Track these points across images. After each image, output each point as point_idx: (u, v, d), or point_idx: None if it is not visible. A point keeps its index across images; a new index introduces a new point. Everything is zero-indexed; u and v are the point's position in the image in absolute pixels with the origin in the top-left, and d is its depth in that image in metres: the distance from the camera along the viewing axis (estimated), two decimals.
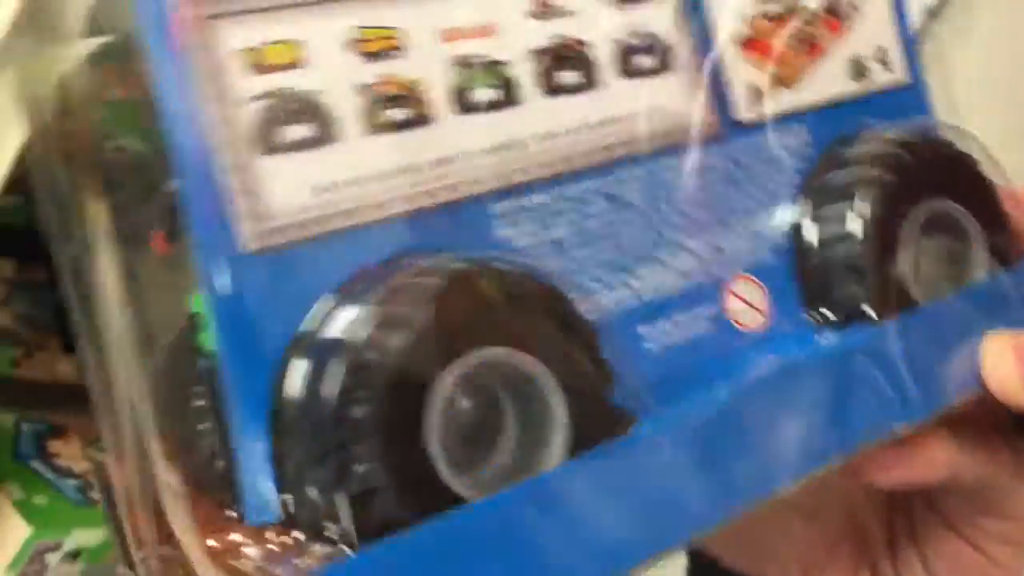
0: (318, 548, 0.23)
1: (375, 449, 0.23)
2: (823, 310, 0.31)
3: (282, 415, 0.24)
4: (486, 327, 0.24)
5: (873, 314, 0.30)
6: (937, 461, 0.31)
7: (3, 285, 0.50)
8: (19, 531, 0.44)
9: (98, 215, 0.28)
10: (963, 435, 0.31)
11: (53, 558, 0.45)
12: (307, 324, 0.24)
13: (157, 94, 0.23)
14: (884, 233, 0.31)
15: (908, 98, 0.36)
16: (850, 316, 0.31)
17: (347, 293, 0.24)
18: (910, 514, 0.35)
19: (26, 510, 0.44)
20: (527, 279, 0.25)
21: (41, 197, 0.29)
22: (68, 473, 0.47)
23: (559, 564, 0.24)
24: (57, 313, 0.52)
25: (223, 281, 0.23)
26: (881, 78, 0.35)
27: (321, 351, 0.23)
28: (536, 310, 0.25)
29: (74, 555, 0.46)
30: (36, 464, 0.47)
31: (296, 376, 0.24)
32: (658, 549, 0.25)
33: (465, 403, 0.26)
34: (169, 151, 0.23)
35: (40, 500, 0.45)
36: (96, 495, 0.46)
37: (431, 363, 0.23)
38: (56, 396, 0.51)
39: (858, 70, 0.34)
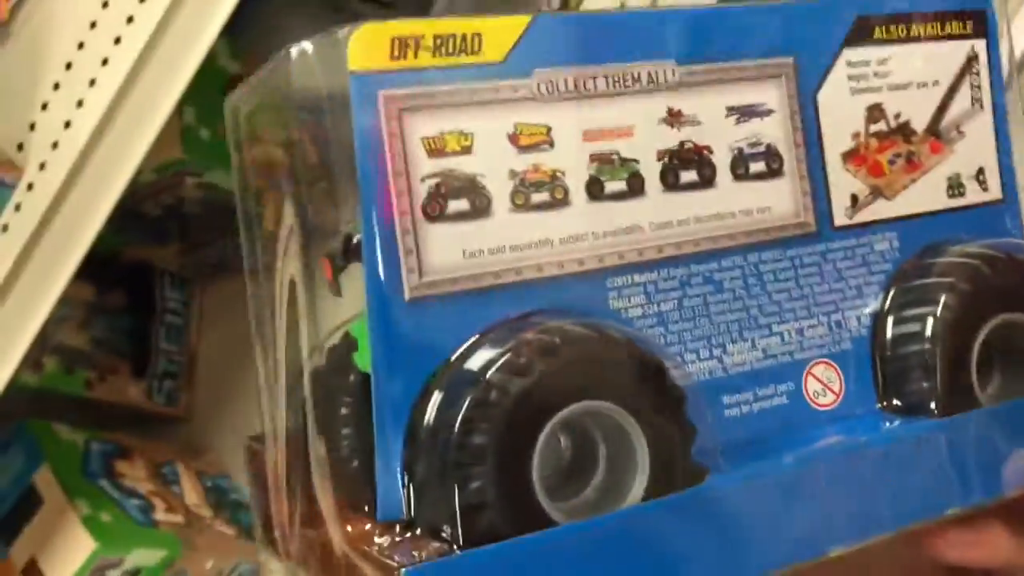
0: (433, 545, 0.29)
1: (487, 472, 0.28)
2: (893, 400, 0.35)
3: (417, 433, 0.29)
4: (591, 383, 0.29)
5: (936, 410, 0.34)
6: (1000, 547, 0.35)
7: (82, 308, 0.53)
8: (85, 545, 0.46)
9: (286, 234, 0.33)
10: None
11: (114, 574, 0.47)
12: (448, 359, 0.30)
13: (359, 164, 0.29)
14: (955, 338, 0.35)
15: (999, 215, 0.39)
16: (916, 409, 0.35)
17: (484, 338, 0.30)
18: None
19: (92, 526, 0.46)
20: (630, 346, 0.30)
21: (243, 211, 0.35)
22: (132, 493, 0.49)
23: None
24: (130, 340, 0.56)
25: (386, 321, 0.29)
26: (976, 196, 0.38)
27: (454, 384, 0.29)
28: (634, 373, 0.30)
29: (133, 573, 0.48)
30: (103, 483, 0.49)
31: (432, 402, 0.29)
32: None
33: (565, 443, 0.31)
34: (360, 209, 0.29)
35: (106, 517, 0.47)
36: (158, 516, 0.49)
37: (542, 407, 0.29)
38: (125, 419, 0.55)
39: (955, 188, 0.38)
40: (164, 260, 0.56)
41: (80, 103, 0.39)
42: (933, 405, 0.34)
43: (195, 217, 0.53)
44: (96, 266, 0.44)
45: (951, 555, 0.35)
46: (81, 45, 0.39)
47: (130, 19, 0.39)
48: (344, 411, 0.33)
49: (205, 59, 0.40)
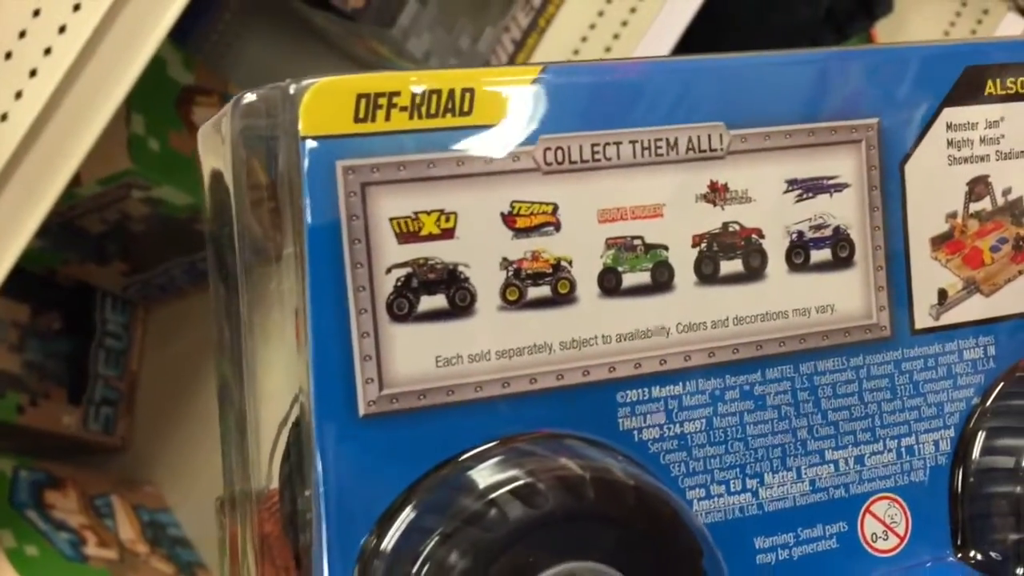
0: None
1: None
2: (971, 551, 0.29)
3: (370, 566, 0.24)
4: (579, 539, 0.24)
5: None
6: None
7: (15, 330, 0.48)
8: None
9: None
10: None
11: None
12: (411, 493, 0.24)
13: (308, 252, 0.23)
14: None
15: None
16: (998, 568, 0.28)
17: (461, 470, 0.24)
18: None
19: (17, 560, 0.42)
20: (631, 492, 0.24)
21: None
22: (62, 526, 0.45)
23: None
24: (66, 364, 0.51)
25: (333, 441, 0.24)
26: None
27: (408, 536, 0.23)
28: (635, 526, 0.24)
29: None
30: (31, 513, 0.45)
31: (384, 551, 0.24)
32: None
33: None
34: (306, 303, 0.24)
35: (32, 551, 0.43)
36: (89, 551, 0.44)
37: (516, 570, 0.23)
38: (57, 447, 0.50)
39: None
40: (105, 280, 0.52)
41: (19, 95, 0.35)
42: (1020, 567, 0.27)
43: (140, 236, 0.48)
44: (32, 285, 0.40)
45: None
46: (23, 34, 0.35)
47: (76, 7, 0.35)
48: (307, 491, 0.28)
49: (155, 68, 0.36)
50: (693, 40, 0.65)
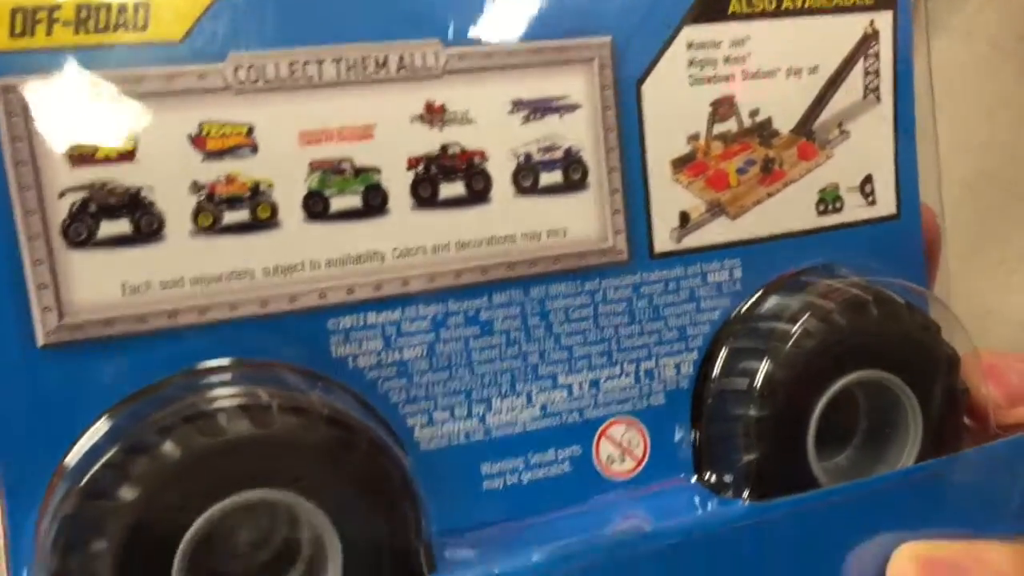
0: None
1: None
2: (708, 471, 0.29)
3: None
4: (264, 467, 0.23)
5: (751, 494, 0.27)
6: None
7: None
8: None
9: None
10: None
11: None
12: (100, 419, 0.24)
13: None
14: (796, 403, 0.28)
15: (891, 235, 0.32)
16: (739, 485, 0.28)
17: (148, 397, 0.24)
18: None
19: None
20: (322, 421, 0.24)
21: None
22: None
23: None
24: None
25: (9, 371, 0.23)
26: (857, 212, 0.31)
27: (86, 459, 0.23)
28: (327, 455, 0.24)
29: None
30: None
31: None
32: None
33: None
34: None
35: None
36: None
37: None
38: None
39: (828, 202, 0.31)
40: None
41: None
42: (747, 489, 0.27)
43: None
44: None
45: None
46: None
47: None
48: None
49: None
50: None
